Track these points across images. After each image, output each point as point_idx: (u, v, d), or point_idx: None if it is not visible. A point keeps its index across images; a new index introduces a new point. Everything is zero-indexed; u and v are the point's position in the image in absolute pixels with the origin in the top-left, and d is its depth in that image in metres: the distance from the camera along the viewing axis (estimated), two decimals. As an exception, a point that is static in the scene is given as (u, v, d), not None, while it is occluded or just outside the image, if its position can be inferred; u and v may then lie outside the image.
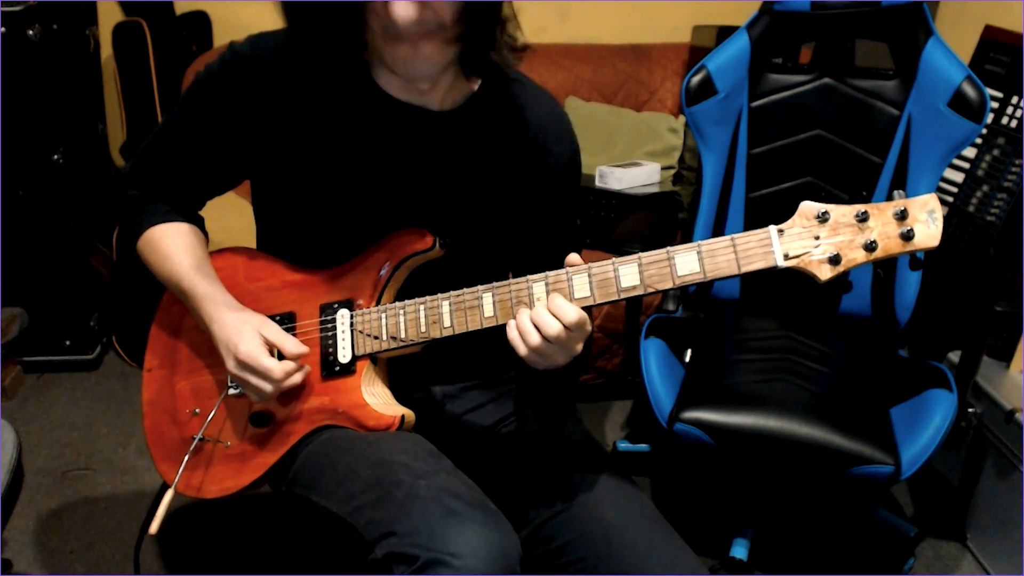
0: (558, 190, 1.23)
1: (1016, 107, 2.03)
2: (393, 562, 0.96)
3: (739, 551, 1.75)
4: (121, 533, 1.89)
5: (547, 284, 1.03)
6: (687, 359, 1.79)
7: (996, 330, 1.94)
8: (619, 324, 2.26)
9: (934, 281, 1.80)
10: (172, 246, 1.22)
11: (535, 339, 1.00)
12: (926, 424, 1.49)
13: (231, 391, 1.21)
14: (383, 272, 1.16)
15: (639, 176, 2.51)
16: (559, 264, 1.03)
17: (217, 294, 1.18)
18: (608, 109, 2.85)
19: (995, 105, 2.07)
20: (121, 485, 2.06)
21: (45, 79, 2.34)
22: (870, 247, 0.94)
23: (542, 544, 1.13)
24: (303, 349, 1.15)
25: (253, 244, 1.32)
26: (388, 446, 1.09)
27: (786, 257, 0.96)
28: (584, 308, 1.01)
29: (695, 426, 1.52)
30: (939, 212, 0.94)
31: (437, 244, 1.15)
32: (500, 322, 1.05)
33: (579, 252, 1.25)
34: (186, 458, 1.23)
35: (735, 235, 0.97)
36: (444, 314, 1.09)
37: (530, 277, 1.04)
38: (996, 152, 2.05)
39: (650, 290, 0.99)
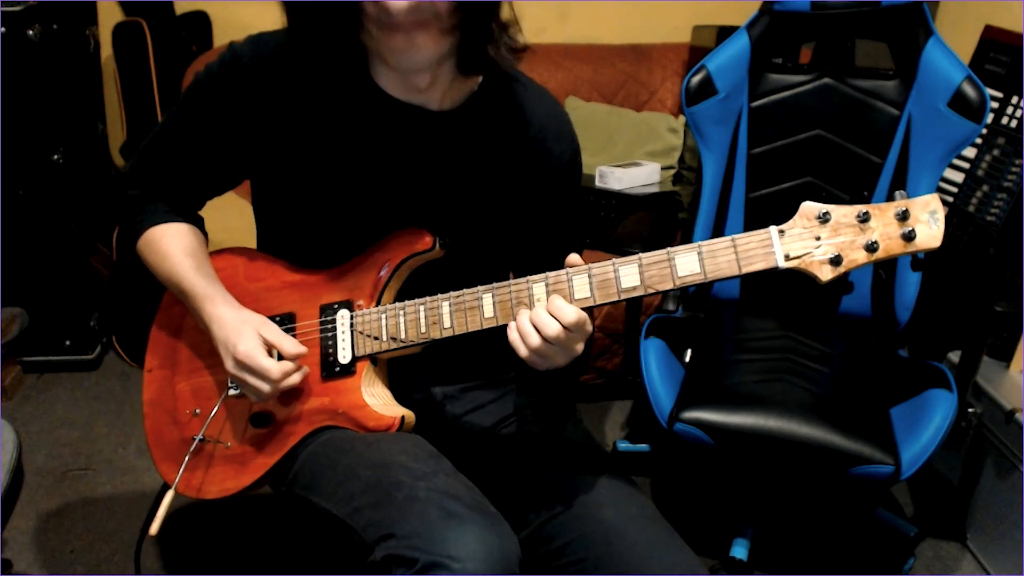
0: (559, 190, 1.23)
1: (1016, 107, 2.03)
2: (392, 564, 0.96)
3: (739, 551, 1.75)
4: (121, 533, 1.89)
5: (547, 285, 1.03)
6: (687, 359, 1.79)
7: (996, 330, 1.94)
8: (619, 324, 2.26)
9: (934, 281, 1.80)
10: (172, 246, 1.22)
11: (535, 340, 1.00)
12: (926, 424, 1.49)
13: (231, 392, 1.21)
14: (383, 273, 1.16)
15: (639, 176, 2.51)
16: (560, 264, 1.03)
17: (217, 294, 1.18)
18: (608, 109, 2.85)
19: (995, 105, 2.07)
20: (121, 485, 2.06)
21: (45, 79, 2.34)
22: (871, 248, 0.94)
23: (542, 545, 1.13)
24: (301, 349, 1.15)
25: (253, 244, 1.32)
26: (388, 447, 1.09)
27: (787, 258, 0.95)
28: (585, 309, 1.00)
29: (695, 426, 1.52)
30: (941, 213, 0.94)
31: (437, 244, 1.15)
32: (500, 323, 1.05)
33: (580, 252, 1.25)
34: (186, 459, 1.23)
35: (736, 236, 0.96)
36: (444, 315, 1.09)
37: (530, 278, 1.04)
38: (996, 152, 2.05)
39: (650, 291, 0.99)
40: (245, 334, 1.12)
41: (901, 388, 1.63)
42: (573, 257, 1.03)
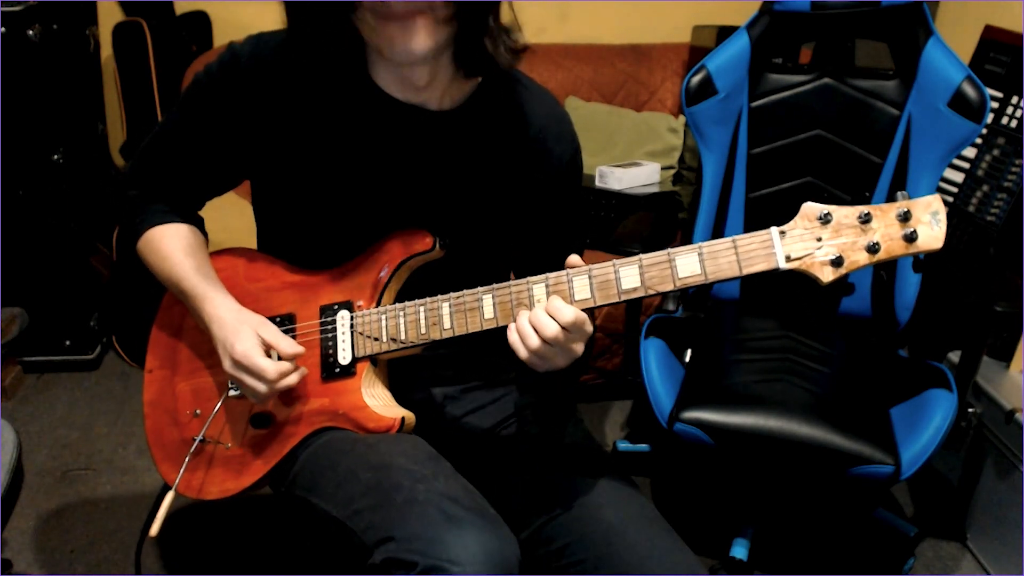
0: (559, 190, 1.23)
1: (1016, 107, 2.03)
2: (392, 567, 0.96)
3: (739, 551, 1.75)
4: (121, 533, 1.89)
5: (547, 286, 1.02)
6: (687, 359, 1.79)
7: (996, 330, 1.94)
8: (619, 324, 2.26)
9: (934, 281, 1.80)
10: (172, 247, 1.22)
11: (534, 341, 0.99)
12: (926, 424, 1.49)
13: (231, 393, 1.21)
14: (383, 273, 1.16)
15: (639, 176, 2.51)
16: (561, 264, 1.03)
17: (217, 295, 1.18)
18: (608, 109, 2.85)
19: (995, 105, 2.07)
20: (121, 485, 2.06)
21: (45, 79, 2.34)
22: (873, 249, 0.94)
23: (542, 545, 1.13)
24: (298, 349, 1.15)
25: (253, 244, 1.32)
26: (388, 449, 1.09)
27: (788, 259, 0.95)
28: (585, 310, 1.00)
29: (695, 426, 1.52)
30: (943, 214, 0.93)
31: (437, 245, 1.15)
32: (500, 324, 1.05)
33: (581, 252, 1.25)
34: (187, 459, 1.23)
35: (736, 236, 0.96)
36: (444, 316, 1.09)
37: (530, 279, 1.03)
38: (996, 152, 2.05)
39: (651, 292, 0.99)
40: (243, 334, 1.12)
41: (901, 388, 1.63)
42: (573, 258, 1.03)
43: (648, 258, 0.99)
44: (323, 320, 1.18)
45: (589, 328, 1.01)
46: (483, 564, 0.94)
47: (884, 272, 1.74)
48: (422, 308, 1.11)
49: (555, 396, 1.32)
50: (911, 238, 0.93)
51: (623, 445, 2.17)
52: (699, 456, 1.96)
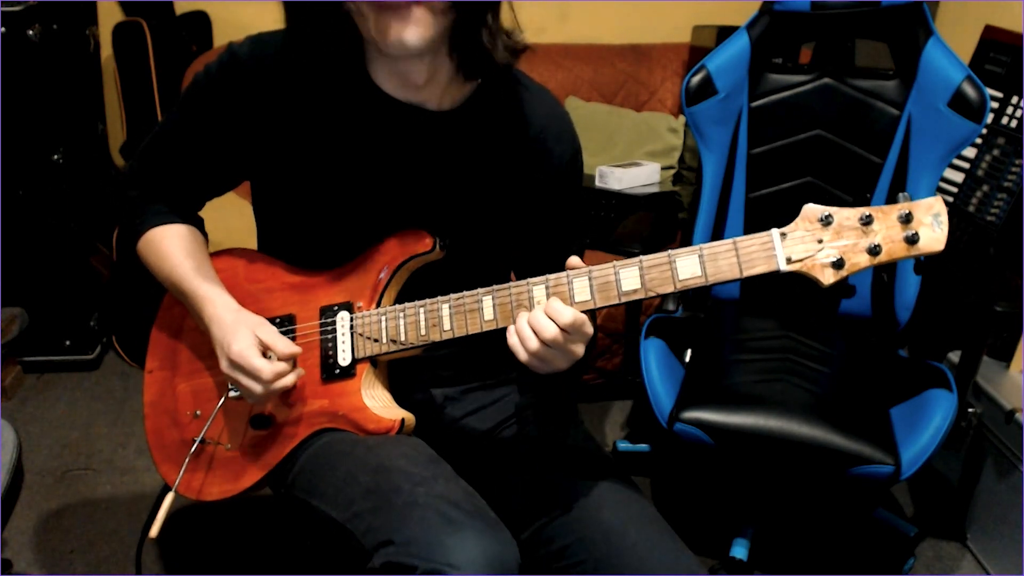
0: (559, 190, 1.23)
1: (1016, 107, 2.03)
2: (391, 571, 0.95)
3: (739, 551, 1.75)
4: (121, 533, 1.89)
5: (547, 287, 1.02)
6: (687, 359, 1.79)
7: (996, 330, 1.94)
8: (619, 324, 2.27)
9: (934, 281, 1.80)
10: (172, 248, 1.22)
11: (533, 344, 0.99)
12: (926, 424, 1.49)
13: (231, 394, 1.20)
14: (382, 275, 1.16)
15: (639, 176, 2.51)
16: (562, 264, 1.03)
17: (217, 295, 1.18)
18: (608, 109, 2.85)
19: (995, 105, 2.07)
20: (121, 485, 2.06)
21: (45, 79, 2.34)
22: (874, 251, 0.93)
23: (543, 546, 1.13)
24: (295, 350, 1.14)
25: (253, 244, 1.31)
26: (387, 451, 1.08)
27: (788, 261, 0.95)
28: (586, 311, 1.00)
29: (695, 426, 1.52)
30: (944, 215, 0.92)
31: (437, 246, 1.15)
32: (500, 325, 1.05)
33: (582, 252, 1.25)
34: (187, 460, 1.22)
35: (737, 238, 0.96)
36: (444, 317, 1.09)
37: (530, 280, 1.03)
38: (996, 152, 2.05)
39: (651, 294, 0.98)
40: (240, 334, 1.12)
41: (901, 388, 1.63)
42: (574, 259, 1.02)
43: (648, 259, 0.99)
44: (323, 321, 1.18)
45: (589, 330, 1.00)
46: (483, 568, 0.94)
47: (885, 274, 1.73)
48: (422, 309, 1.11)
49: (556, 397, 1.31)
50: (912, 240, 0.93)
51: (623, 445, 2.17)
52: (699, 456, 1.96)
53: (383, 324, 1.13)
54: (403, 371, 1.22)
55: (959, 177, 2.13)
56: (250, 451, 1.20)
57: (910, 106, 1.72)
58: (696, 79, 1.77)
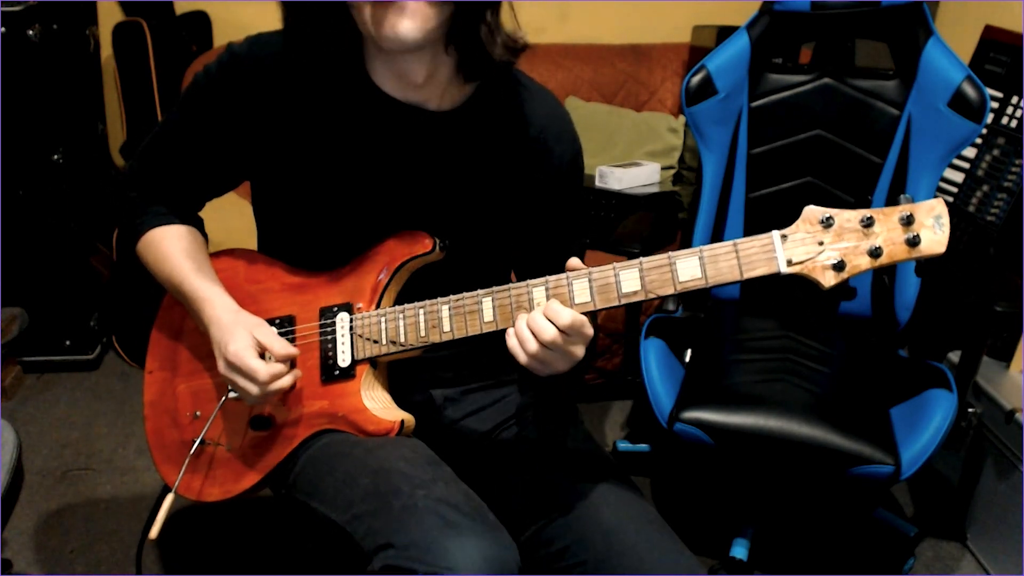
0: (560, 191, 1.23)
1: (1016, 107, 2.03)
2: (391, 574, 0.96)
3: (739, 551, 1.75)
4: (121, 533, 1.89)
5: (547, 289, 1.02)
6: (687, 359, 1.79)
7: (996, 330, 1.94)
8: (619, 324, 2.27)
9: (934, 281, 1.80)
10: (172, 249, 1.22)
11: (532, 345, 0.99)
12: (926, 424, 1.49)
13: (231, 395, 1.20)
14: (382, 275, 1.16)
15: (639, 176, 2.51)
16: (563, 265, 1.03)
17: (216, 297, 1.18)
18: (608, 109, 2.85)
19: (995, 105, 2.07)
20: (121, 485, 2.06)
21: (45, 79, 2.34)
22: (875, 253, 0.93)
23: (543, 547, 1.13)
24: (291, 351, 1.14)
25: (253, 245, 1.31)
26: (387, 453, 1.08)
27: (789, 263, 0.94)
28: (586, 313, 1.00)
29: (695, 426, 1.52)
30: (946, 218, 0.92)
31: (437, 247, 1.15)
32: (500, 327, 1.05)
33: (582, 253, 1.25)
34: (186, 461, 1.22)
35: (737, 240, 0.95)
36: (444, 318, 1.09)
37: (530, 282, 1.03)
38: (996, 152, 2.05)
39: (651, 296, 0.98)
40: (237, 335, 1.12)
41: (901, 388, 1.63)
42: (574, 261, 1.02)
43: (648, 261, 0.98)
44: (322, 322, 1.18)
45: (588, 331, 1.00)
46: (483, 570, 0.93)
47: (887, 277, 1.73)
48: (421, 311, 1.11)
49: (556, 398, 1.31)
50: (914, 242, 0.92)
51: (623, 445, 2.17)
52: (699, 456, 1.96)
53: (383, 325, 1.13)
54: (403, 372, 1.22)
55: (959, 177, 2.13)
56: (250, 452, 1.20)
57: (910, 106, 1.72)
58: (696, 79, 1.77)
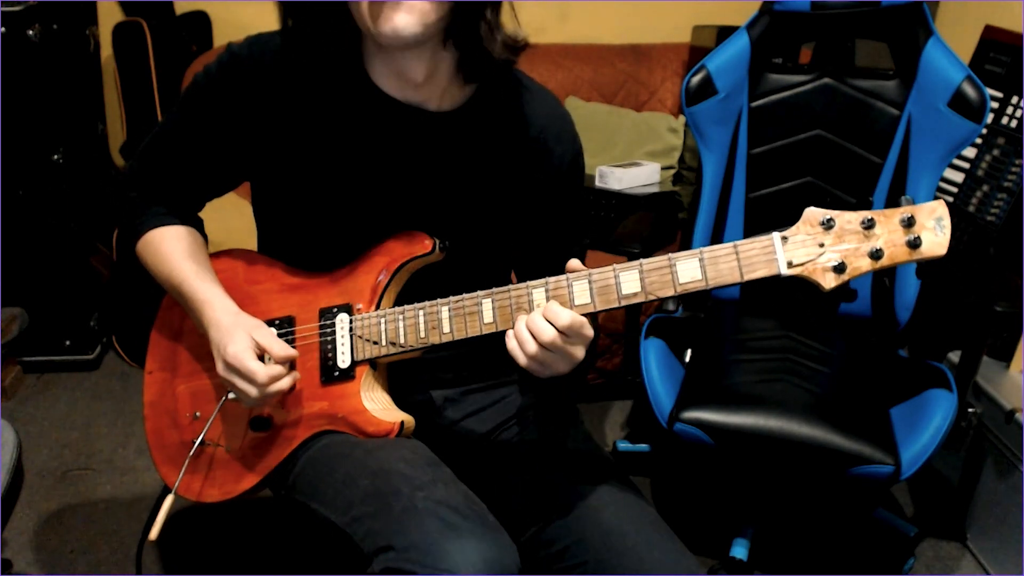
0: (560, 191, 1.23)
1: (1016, 107, 2.03)
2: None
3: (739, 551, 1.75)
4: (121, 533, 1.89)
5: (547, 290, 1.02)
6: (687, 359, 1.79)
7: (996, 330, 1.94)
8: (619, 324, 2.27)
9: (934, 281, 1.80)
10: (172, 250, 1.22)
11: (532, 347, 0.99)
12: (926, 424, 1.49)
13: (231, 395, 1.20)
14: (382, 276, 1.15)
15: (639, 176, 2.51)
16: (563, 266, 1.02)
17: (217, 298, 1.17)
18: (608, 109, 2.85)
19: (995, 105, 2.07)
20: (121, 485, 2.06)
21: (45, 79, 2.34)
22: (876, 255, 0.93)
23: (543, 548, 1.13)
24: (290, 353, 1.13)
25: (253, 245, 1.31)
26: (387, 454, 1.08)
27: (790, 265, 0.94)
28: (586, 315, 1.00)
29: (695, 426, 1.52)
30: (947, 219, 0.92)
31: (437, 247, 1.15)
32: (500, 328, 1.04)
33: (583, 254, 1.25)
34: (186, 462, 1.22)
35: (738, 242, 0.95)
36: (443, 320, 1.09)
37: (530, 283, 1.03)
38: (996, 152, 2.05)
39: (651, 297, 0.98)
40: (236, 336, 1.12)
41: (901, 388, 1.63)
42: (574, 262, 1.02)
43: (649, 263, 0.98)
44: (322, 323, 1.18)
45: (588, 332, 1.00)
46: (482, 573, 0.93)
47: (887, 279, 1.73)
48: (421, 312, 1.11)
49: (556, 398, 1.31)
50: (915, 244, 0.92)
51: (623, 445, 2.17)
52: (699, 456, 1.96)
53: (382, 326, 1.13)
54: (402, 373, 1.22)
55: (959, 177, 2.13)
56: (250, 453, 1.20)
57: (910, 106, 1.72)
58: (696, 79, 1.77)
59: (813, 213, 0.94)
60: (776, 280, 0.95)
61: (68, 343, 2.55)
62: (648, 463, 2.15)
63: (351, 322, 1.16)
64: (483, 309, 1.06)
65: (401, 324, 1.12)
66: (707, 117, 1.79)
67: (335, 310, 1.17)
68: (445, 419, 1.28)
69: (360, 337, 1.15)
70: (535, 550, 1.13)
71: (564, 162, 1.21)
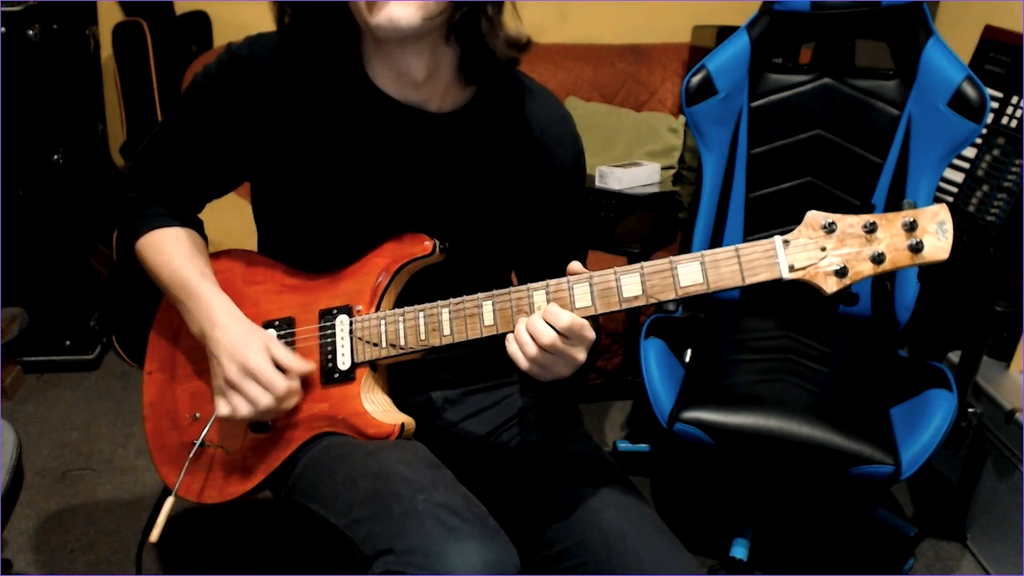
0: (561, 193, 1.22)
1: (1016, 107, 2.03)
2: None
3: (739, 551, 1.75)
4: (121, 533, 1.89)
5: (548, 293, 1.02)
6: (687, 359, 1.79)
7: (996, 330, 1.95)
8: (619, 324, 2.26)
9: (934, 281, 1.80)
10: (173, 251, 1.21)
11: (532, 349, 0.98)
12: (926, 424, 1.49)
13: (223, 410, 1.19)
14: (381, 278, 1.15)
15: (639, 176, 2.51)
16: (565, 268, 1.02)
17: (223, 301, 1.17)
18: (608, 109, 2.85)
19: (995, 105, 2.07)
20: (121, 485, 2.06)
21: (45, 79, 2.34)
22: (878, 259, 0.92)
23: (543, 549, 1.13)
24: (308, 368, 1.14)
25: (253, 245, 1.31)
26: (387, 456, 1.08)
27: (791, 269, 0.94)
28: (587, 318, 0.99)
29: (695, 426, 1.52)
30: (949, 224, 0.91)
31: (437, 249, 1.14)
32: (500, 331, 1.04)
33: (584, 256, 1.24)
34: (186, 464, 1.22)
35: (739, 245, 0.95)
36: (444, 322, 1.08)
37: (531, 285, 1.03)
38: (996, 152, 2.05)
39: (652, 300, 0.98)
40: (253, 344, 1.11)
41: (901, 388, 1.63)
42: (575, 265, 1.02)
43: (650, 266, 0.98)
44: (322, 324, 1.17)
45: (589, 334, 0.99)
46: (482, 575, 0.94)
47: (888, 283, 1.73)
48: (421, 314, 1.10)
49: (557, 399, 1.31)
50: (916, 249, 0.92)
51: (623, 445, 2.17)
52: (699, 456, 1.97)
53: (382, 328, 1.13)
54: (402, 373, 1.22)
55: (959, 177, 2.13)
56: (250, 454, 1.20)
57: (910, 106, 1.72)
58: (696, 79, 1.77)
59: (815, 217, 0.94)
60: (777, 284, 0.95)
61: (68, 343, 2.55)
62: (648, 463, 2.15)
63: (351, 324, 1.16)
64: (483, 311, 1.06)
65: (401, 326, 1.12)
66: (707, 117, 1.79)
67: (335, 311, 1.17)
68: (445, 420, 1.28)
69: (360, 339, 1.14)
70: (535, 551, 1.13)
71: (565, 164, 1.21)
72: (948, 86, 1.64)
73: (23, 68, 2.28)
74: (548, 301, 1.01)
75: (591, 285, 1.00)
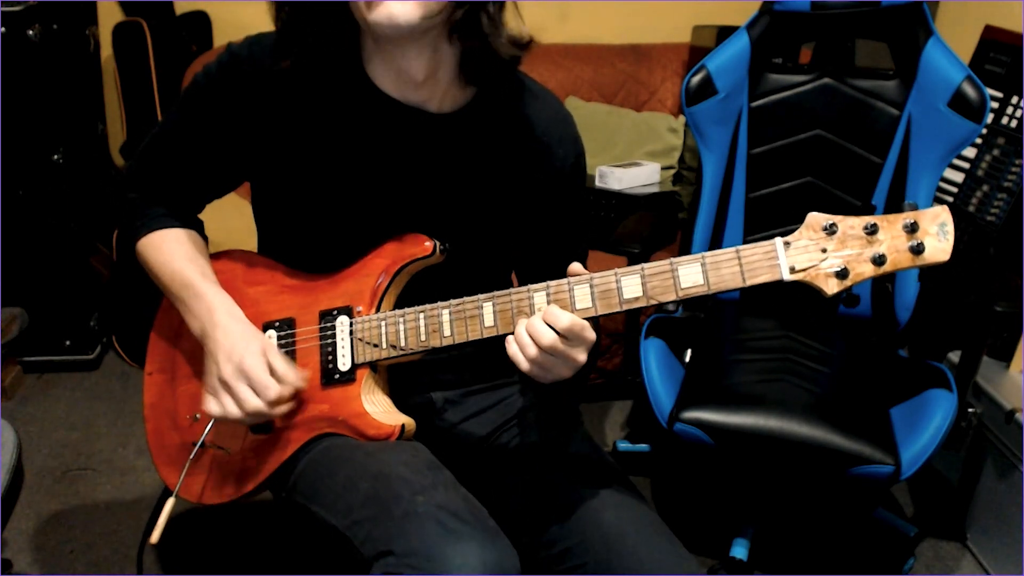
0: (562, 194, 1.22)
1: (1016, 107, 2.03)
2: None
3: (739, 551, 1.75)
4: (121, 533, 1.89)
5: (548, 294, 1.02)
6: (687, 359, 1.79)
7: (996, 330, 1.95)
8: (619, 324, 2.26)
9: (934, 281, 1.80)
10: (174, 252, 1.21)
11: (532, 351, 0.98)
12: (926, 424, 1.49)
13: (213, 408, 1.19)
14: (382, 279, 1.15)
15: (639, 176, 2.52)
16: (565, 268, 1.02)
17: (226, 303, 1.17)
18: (608, 109, 2.85)
19: (995, 105, 2.07)
20: (121, 485, 2.06)
21: (45, 79, 2.34)
22: (878, 261, 0.92)
23: (543, 549, 1.13)
24: (301, 384, 1.13)
25: (253, 245, 1.31)
26: (387, 457, 1.08)
27: (792, 270, 0.94)
28: (588, 319, 0.99)
29: (695, 426, 1.52)
30: (950, 225, 0.91)
31: (437, 250, 1.14)
32: (500, 332, 1.04)
33: (585, 256, 1.24)
34: (187, 464, 1.22)
35: (740, 247, 0.95)
36: (444, 323, 1.08)
37: (531, 287, 1.02)
38: (996, 152, 2.05)
39: (653, 302, 0.98)
40: (252, 347, 1.11)
41: (901, 388, 1.63)
42: (575, 266, 1.02)
43: (650, 267, 0.98)
44: (322, 325, 1.17)
45: (590, 335, 0.99)
46: None
47: (889, 284, 1.73)
48: (422, 315, 1.10)
49: (558, 399, 1.31)
50: (917, 250, 0.92)
51: (623, 445, 2.17)
52: (699, 456, 1.97)
53: (383, 329, 1.13)
54: (403, 374, 1.21)
55: (959, 177, 2.13)
56: (250, 455, 1.20)
57: (910, 106, 1.72)
58: (696, 79, 1.77)
59: (816, 218, 0.94)
60: (778, 285, 0.95)
61: (68, 343, 2.55)
62: (648, 463, 2.15)
63: (351, 324, 1.15)
64: (484, 312, 1.06)
65: (401, 327, 1.12)
66: (707, 117, 1.79)
67: (335, 312, 1.17)
68: (445, 421, 1.28)
69: (360, 340, 1.14)
70: (535, 551, 1.13)
71: (566, 164, 1.21)
72: (948, 86, 1.64)
73: (23, 68, 2.28)
74: (548, 302, 1.01)
75: (591, 286, 1.00)
